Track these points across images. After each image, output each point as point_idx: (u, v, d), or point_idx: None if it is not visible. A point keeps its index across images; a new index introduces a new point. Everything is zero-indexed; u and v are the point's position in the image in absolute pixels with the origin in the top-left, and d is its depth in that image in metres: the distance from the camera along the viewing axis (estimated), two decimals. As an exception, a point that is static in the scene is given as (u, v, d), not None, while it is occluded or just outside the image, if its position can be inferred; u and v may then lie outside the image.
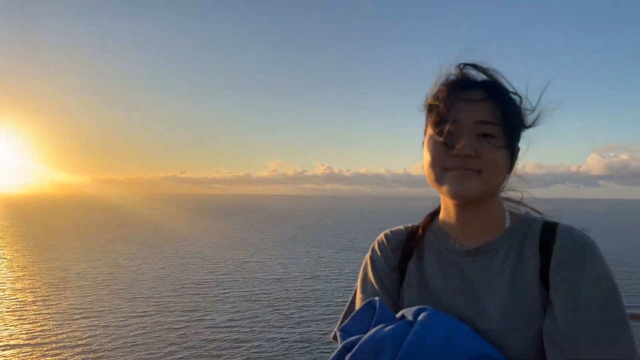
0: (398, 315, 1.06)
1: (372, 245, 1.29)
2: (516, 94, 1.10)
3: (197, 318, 18.39)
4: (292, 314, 19.16)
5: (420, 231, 1.24)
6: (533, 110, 1.12)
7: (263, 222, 74.16)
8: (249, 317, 18.56)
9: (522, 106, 1.11)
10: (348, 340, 0.99)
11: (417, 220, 1.30)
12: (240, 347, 15.30)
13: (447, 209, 1.18)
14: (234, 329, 17.04)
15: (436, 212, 1.27)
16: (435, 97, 1.10)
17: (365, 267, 1.27)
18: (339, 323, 1.20)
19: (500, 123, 1.06)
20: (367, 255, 1.28)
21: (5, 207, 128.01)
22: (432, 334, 0.93)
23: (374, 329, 0.98)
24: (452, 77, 1.11)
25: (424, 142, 1.16)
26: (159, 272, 28.05)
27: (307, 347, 15.25)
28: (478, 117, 1.05)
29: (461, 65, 1.12)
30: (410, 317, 1.00)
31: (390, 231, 1.29)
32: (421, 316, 0.98)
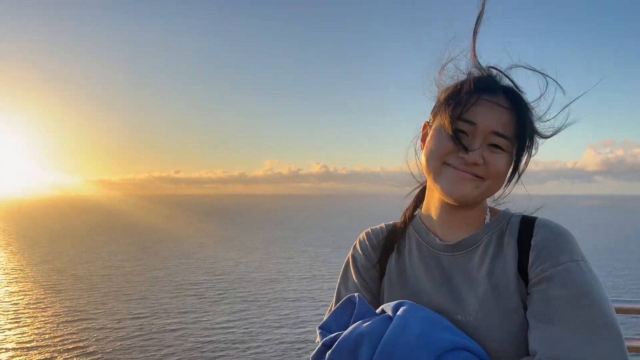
0: (378, 310, 1.06)
1: (353, 244, 1.30)
2: (532, 108, 1.08)
3: (193, 320, 18.33)
4: (289, 314, 19.14)
5: (400, 226, 1.25)
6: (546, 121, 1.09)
7: (258, 222, 74.00)
8: (246, 318, 18.51)
9: (537, 121, 1.09)
10: (328, 337, 0.99)
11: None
12: (237, 348, 15.27)
13: (433, 202, 1.18)
14: (231, 330, 16.99)
15: (416, 206, 1.28)
16: (458, 90, 1.05)
17: (347, 265, 1.29)
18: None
19: (514, 139, 1.05)
20: (349, 254, 1.30)
21: (1, 210, 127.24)
22: (410, 328, 0.94)
23: (353, 325, 0.99)
24: (478, 75, 1.07)
25: (430, 125, 1.14)
26: (153, 274, 27.94)
27: (305, 347, 15.23)
28: (496, 127, 1.03)
29: (487, 66, 1.09)
30: (389, 312, 1.01)
31: (371, 229, 1.31)
32: (400, 310, 0.99)
